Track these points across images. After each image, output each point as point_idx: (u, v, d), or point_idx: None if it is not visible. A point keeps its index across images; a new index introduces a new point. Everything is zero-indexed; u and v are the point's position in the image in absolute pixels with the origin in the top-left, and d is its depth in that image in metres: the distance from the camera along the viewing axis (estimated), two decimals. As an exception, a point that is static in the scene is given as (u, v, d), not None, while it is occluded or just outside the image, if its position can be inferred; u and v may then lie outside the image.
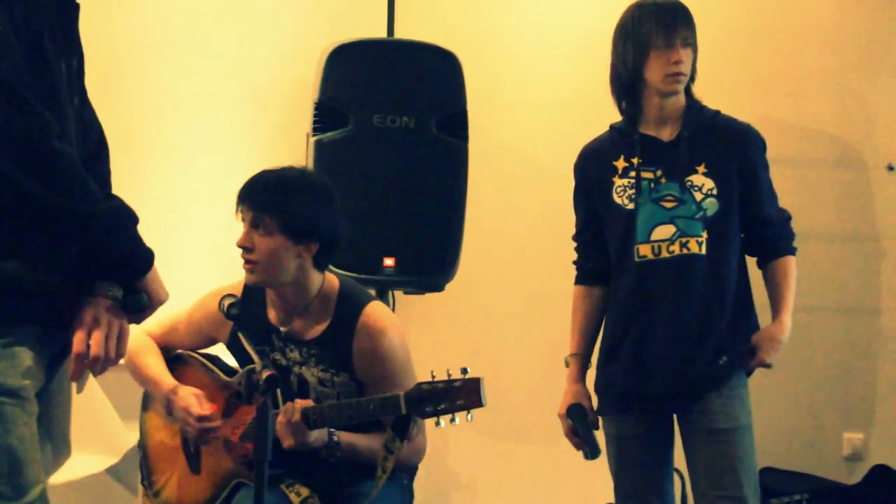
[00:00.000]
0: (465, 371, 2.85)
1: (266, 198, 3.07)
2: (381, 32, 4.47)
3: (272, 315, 3.23)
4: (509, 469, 4.81)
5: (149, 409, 3.36)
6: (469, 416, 2.85)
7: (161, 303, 2.23)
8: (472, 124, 4.17)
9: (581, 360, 3.53)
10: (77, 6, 2.26)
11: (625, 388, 3.42)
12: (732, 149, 3.37)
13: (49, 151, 1.99)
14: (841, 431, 4.90)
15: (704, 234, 3.33)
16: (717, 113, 3.45)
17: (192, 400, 3.15)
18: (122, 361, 3.20)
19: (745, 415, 3.33)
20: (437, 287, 4.18)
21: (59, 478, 2.20)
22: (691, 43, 3.35)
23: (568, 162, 4.87)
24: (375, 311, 3.18)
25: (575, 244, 3.62)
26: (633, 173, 3.41)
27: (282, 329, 3.20)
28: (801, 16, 4.97)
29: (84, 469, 2.23)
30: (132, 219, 2.13)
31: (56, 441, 2.20)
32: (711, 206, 3.33)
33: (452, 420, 2.85)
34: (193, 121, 4.56)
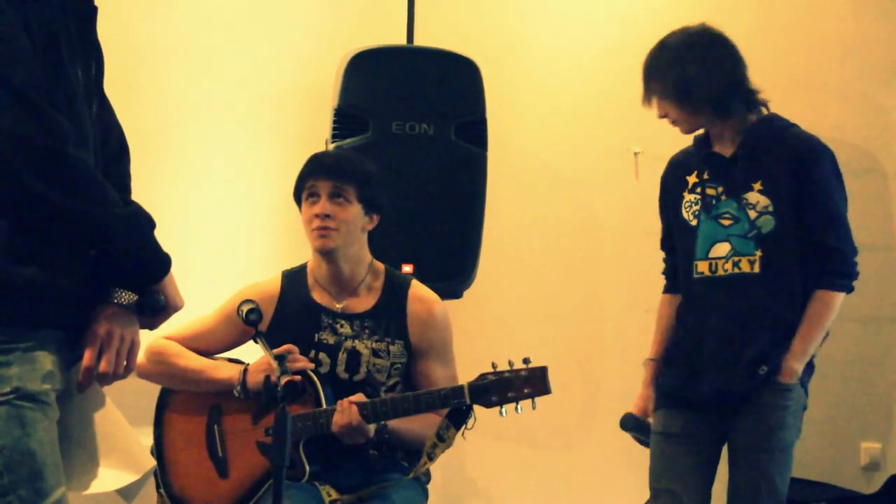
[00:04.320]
0: (527, 361, 3.02)
1: (348, 168, 3.30)
2: (400, 39, 4.48)
3: (317, 296, 3.36)
4: (525, 475, 4.81)
5: (165, 416, 3.36)
6: (533, 404, 3.00)
7: (177, 309, 2.23)
8: (491, 131, 4.18)
9: (657, 365, 3.60)
10: (95, 8, 2.26)
11: (674, 390, 3.49)
12: (788, 165, 3.34)
13: (65, 158, 2.00)
14: (858, 441, 4.88)
15: (758, 253, 3.34)
16: (789, 127, 3.41)
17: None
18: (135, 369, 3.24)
19: (782, 435, 3.30)
20: (456, 293, 4.18)
21: (81, 489, 2.19)
22: (664, 96, 3.42)
23: (585, 169, 4.90)
24: (420, 285, 3.43)
25: (663, 253, 3.69)
26: (699, 189, 3.46)
27: (333, 306, 3.33)
28: (820, 25, 4.97)
29: (104, 484, 2.22)
30: (149, 224, 2.14)
31: (78, 445, 2.20)
32: (766, 223, 3.33)
33: (517, 409, 3.00)
34: (212, 127, 4.58)
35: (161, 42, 4.51)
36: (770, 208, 3.33)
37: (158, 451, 3.31)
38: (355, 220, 3.30)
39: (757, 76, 4.82)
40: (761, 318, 3.33)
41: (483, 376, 3.05)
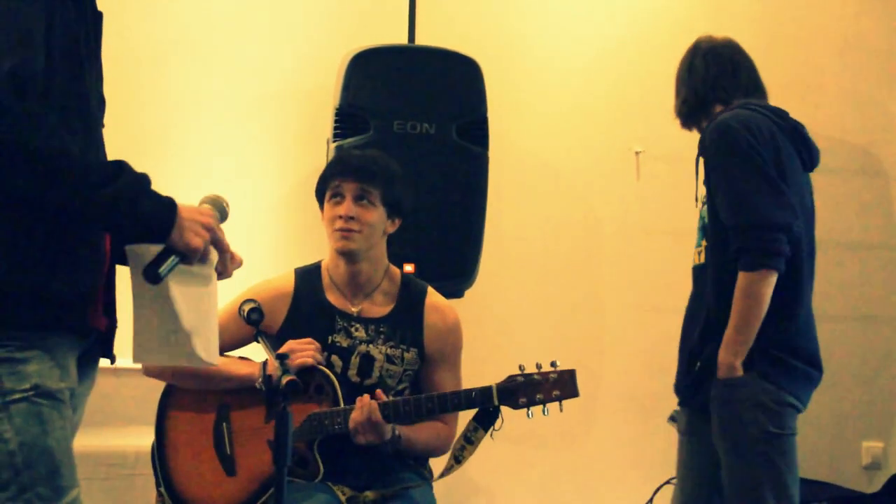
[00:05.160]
0: (554, 364, 3.03)
1: (375, 170, 3.26)
2: (402, 39, 4.48)
3: (332, 297, 3.33)
4: (527, 473, 4.82)
5: (169, 414, 3.36)
6: (561, 406, 3.02)
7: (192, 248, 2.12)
8: (492, 131, 4.18)
9: None
10: (100, 15, 2.28)
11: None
12: (703, 154, 3.36)
13: (24, 150, 1.95)
14: (860, 440, 4.89)
15: (703, 243, 3.36)
16: (723, 114, 3.38)
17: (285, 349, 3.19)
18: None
19: (736, 431, 3.23)
20: (457, 293, 4.18)
21: None
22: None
23: (587, 169, 4.90)
24: (436, 293, 3.40)
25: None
26: None
27: (348, 309, 3.31)
28: (821, 24, 4.98)
29: None
30: (136, 195, 2.05)
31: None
32: (706, 214, 3.35)
33: (544, 411, 3.02)
34: (214, 126, 4.58)
35: (161, 41, 4.51)
36: (706, 199, 3.35)
37: (160, 449, 3.30)
38: (378, 223, 3.27)
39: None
40: (699, 310, 3.34)
41: (512, 378, 3.06)
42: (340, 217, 3.24)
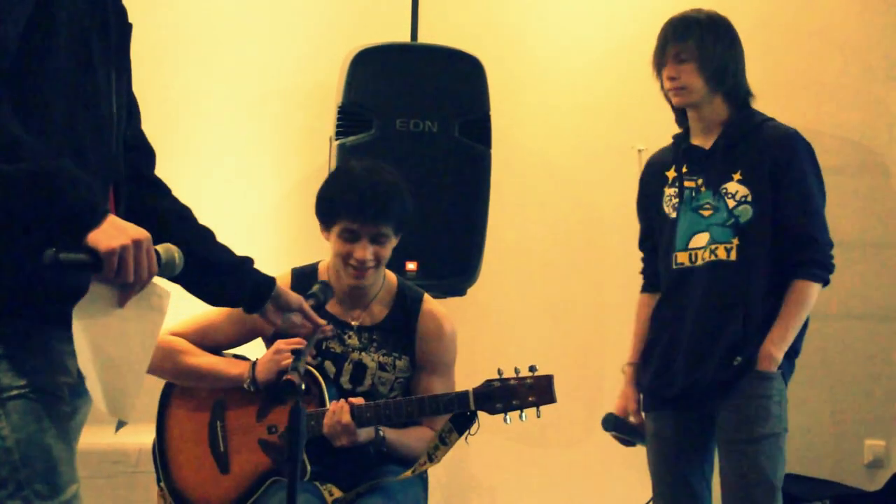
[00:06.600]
0: (533, 369, 3.01)
1: (392, 207, 3.16)
2: (404, 37, 4.48)
3: (327, 304, 3.28)
4: (529, 472, 4.82)
5: (168, 411, 3.37)
6: (538, 412, 3.01)
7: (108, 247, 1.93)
8: (494, 129, 4.18)
9: (636, 368, 3.61)
10: (130, 26, 2.30)
11: (652, 388, 3.50)
12: (767, 154, 3.36)
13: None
14: (862, 438, 4.88)
15: (735, 241, 3.35)
16: (767, 120, 3.45)
17: (272, 351, 3.17)
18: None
19: (765, 423, 3.30)
20: (460, 291, 4.19)
21: None
22: (685, 58, 3.44)
23: (589, 167, 4.90)
24: (432, 300, 3.38)
25: (641, 253, 3.68)
26: (678, 183, 3.48)
27: (342, 316, 3.29)
28: (824, 22, 4.97)
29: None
30: (54, 182, 1.91)
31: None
32: (745, 212, 3.35)
33: (521, 417, 3.02)
34: (216, 124, 4.58)
35: (161, 41, 4.50)
36: (749, 198, 3.35)
37: (160, 446, 3.32)
38: (390, 251, 3.24)
39: (759, 73, 4.82)
40: (734, 307, 3.34)
41: (488, 383, 3.06)
42: (357, 258, 3.17)
